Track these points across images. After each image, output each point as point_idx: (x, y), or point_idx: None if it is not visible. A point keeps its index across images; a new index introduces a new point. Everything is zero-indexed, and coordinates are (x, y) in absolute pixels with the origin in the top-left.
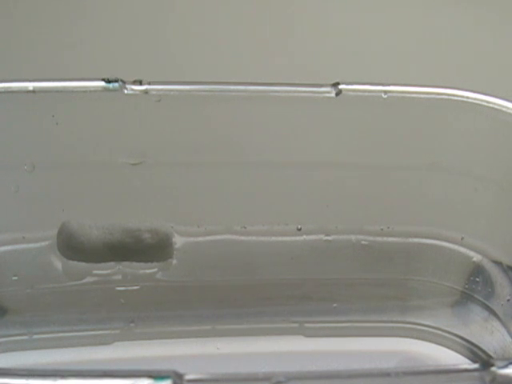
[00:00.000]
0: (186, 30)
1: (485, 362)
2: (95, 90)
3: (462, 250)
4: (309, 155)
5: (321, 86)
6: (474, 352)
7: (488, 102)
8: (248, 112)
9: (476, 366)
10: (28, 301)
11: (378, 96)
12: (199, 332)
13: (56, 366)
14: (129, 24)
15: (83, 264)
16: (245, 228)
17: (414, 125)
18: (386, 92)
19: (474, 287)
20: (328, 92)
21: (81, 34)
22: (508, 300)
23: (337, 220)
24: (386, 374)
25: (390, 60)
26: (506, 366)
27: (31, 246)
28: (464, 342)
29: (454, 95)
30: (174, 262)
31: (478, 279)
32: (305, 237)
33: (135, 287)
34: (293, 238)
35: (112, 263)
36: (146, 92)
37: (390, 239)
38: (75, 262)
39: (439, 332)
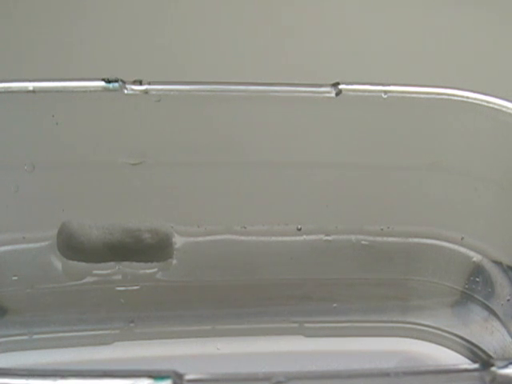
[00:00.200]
0: (186, 30)
1: (485, 362)
2: (95, 90)
3: (462, 250)
4: (309, 155)
5: (321, 86)
6: (474, 352)
7: (488, 101)
8: (248, 112)
9: (476, 366)
10: (28, 301)
11: (378, 96)
12: (199, 332)
13: (56, 365)
14: (129, 24)
15: (83, 264)
16: (245, 228)
17: (414, 125)
18: (386, 92)
19: (474, 287)
20: (328, 92)
21: (81, 34)
22: (508, 300)
23: (337, 220)
24: (385, 374)
25: (390, 60)
26: (506, 366)
27: (31, 246)
28: (464, 342)
29: (454, 95)
30: (174, 262)
31: (478, 279)
32: (305, 237)
33: (135, 287)
34: (293, 238)
35: (112, 263)
36: (146, 92)
37: (390, 239)
38: (75, 262)
39: (439, 332)
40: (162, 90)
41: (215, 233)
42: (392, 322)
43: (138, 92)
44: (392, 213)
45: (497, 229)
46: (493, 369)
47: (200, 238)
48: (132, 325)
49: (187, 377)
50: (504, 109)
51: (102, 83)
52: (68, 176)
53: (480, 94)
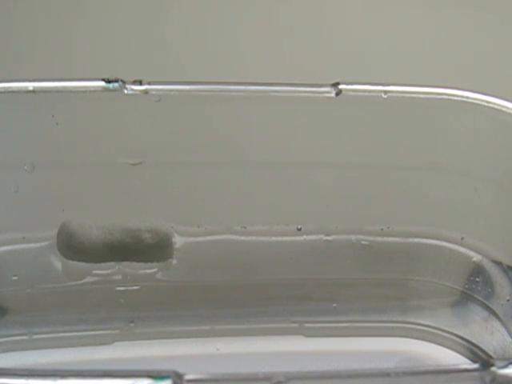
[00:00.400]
0: (186, 30)
1: (485, 362)
2: (95, 90)
3: (462, 250)
4: (309, 155)
5: (321, 85)
6: (474, 352)
7: (488, 101)
8: (248, 112)
9: (476, 366)
10: (28, 301)
11: (378, 96)
12: (199, 332)
13: (56, 365)
14: (129, 24)
15: (83, 264)
16: (245, 228)
17: (414, 125)
18: (386, 92)
19: (474, 287)
20: (328, 92)
21: (81, 34)
22: (508, 300)
23: (337, 220)
24: (385, 374)
25: (390, 60)
26: (506, 366)
27: (31, 246)
28: (464, 342)
29: (454, 95)
30: (174, 262)
31: (478, 279)
32: (305, 237)
33: (135, 287)
34: (293, 238)
35: (112, 263)
36: (146, 92)
37: (390, 239)
38: (75, 262)
39: (439, 332)
40: (162, 89)
41: (215, 233)
42: (392, 322)
43: (138, 92)
44: (392, 213)
45: (497, 229)
46: (493, 369)
47: (200, 238)
48: (132, 325)
49: (187, 377)
50: (504, 109)
51: (102, 83)
52: (68, 176)
53: (480, 94)
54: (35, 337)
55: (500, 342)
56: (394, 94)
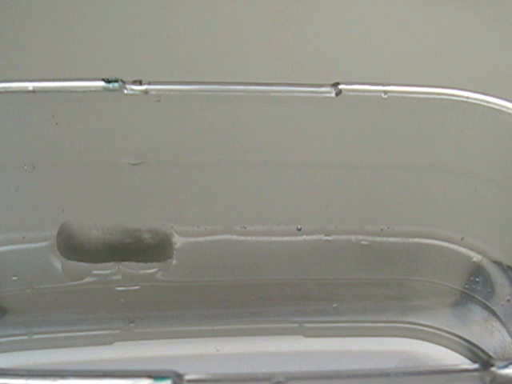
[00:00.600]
0: (186, 30)
1: (485, 362)
2: (95, 90)
3: (462, 250)
4: (309, 155)
5: (321, 85)
6: (474, 352)
7: (488, 102)
8: (248, 112)
9: (476, 366)
10: (28, 301)
11: (378, 96)
12: (199, 332)
13: (56, 366)
14: (129, 24)
15: (83, 264)
16: (245, 228)
17: (414, 125)
18: (385, 92)
19: (474, 287)
20: (328, 92)
21: (81, 33)
22: (508, 300)
23: (337, 220)
24: (385, 374)
25: (390, 60)
26: (506, 366)
27: (31, 246)
28: (464, 342)
29: (453, 95)
30: (174, 262)
31: (477, 279)
32: (305, 237)
33: (135, 287)
34: (293, 238)
35: (112, 263)
36: (145, 92)
37: (390, 239)
38: (75, 262)
39: (439, 332)
40: (161, 89)
41: (215, 233)
42: (392, 322)
43: (138, 92)
44: (392, 213)
45: (497, 229)
46: (493, 369)
47: (200, 238)
48: (132, 325)
49: (187, 377)
50: (504, 109)
51: (102, 83)
52: (68, 176)
53: (480, 94)
54: (35, 337)
55: (500, 342)
56: (394, 94)
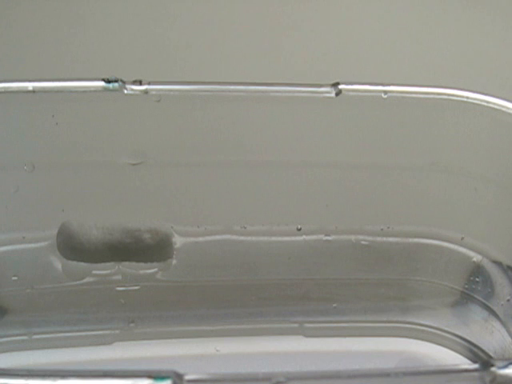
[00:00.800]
0: (185, 30)
1: (485, 362)
2: (95, 90)
3: (462, 250)
4: (309, 155)
5: (321, 85)
6: (474, 352)
7: (488, 102)
8: (248, 112)
9: (476, 366)
10: (28, 301)
11: (378, 96)
12: (199, 332)
13: (56, 366)
14: (128, 24)
15: (83, 264)
16: (245, 228)
17: (413, 125)
18: (385, 92)
19: (474, 287)
20: (328, 92)
21: (81, 33)
22: (508, 300)
23: (337, 220)
24: (385, 374)
25: (390, 60)
26: (506, 366)
27: (31, 245)
28: (464, 342)
29: (453, 95)
30: (174, 262)
31: (477, 279)
32: (305, 237)
33: (135, 287)
34: (293, 238)
35: (112, 263)
36: (145, 92)
37: (390, 239)
38: (75, 262)
39: (439, 332)
40: (161, 89)
41: (215, 233)
42: (392, 322)
43: (138, 92)
44: (392, 213)
45: (497, 229)
46: (493, 369)
47: (200, 238)
48: (132, 325)
49: (187, 377)
50: (504, 109)
51: (102, 83)
52: (68, 176)
53: (480, 94)
54: (35, 337)
55: (500, 342)
56: (394, 94)
